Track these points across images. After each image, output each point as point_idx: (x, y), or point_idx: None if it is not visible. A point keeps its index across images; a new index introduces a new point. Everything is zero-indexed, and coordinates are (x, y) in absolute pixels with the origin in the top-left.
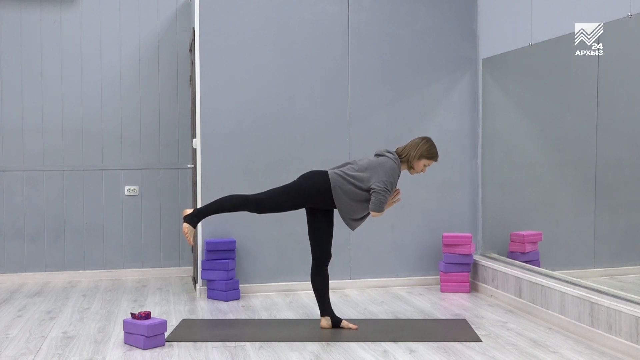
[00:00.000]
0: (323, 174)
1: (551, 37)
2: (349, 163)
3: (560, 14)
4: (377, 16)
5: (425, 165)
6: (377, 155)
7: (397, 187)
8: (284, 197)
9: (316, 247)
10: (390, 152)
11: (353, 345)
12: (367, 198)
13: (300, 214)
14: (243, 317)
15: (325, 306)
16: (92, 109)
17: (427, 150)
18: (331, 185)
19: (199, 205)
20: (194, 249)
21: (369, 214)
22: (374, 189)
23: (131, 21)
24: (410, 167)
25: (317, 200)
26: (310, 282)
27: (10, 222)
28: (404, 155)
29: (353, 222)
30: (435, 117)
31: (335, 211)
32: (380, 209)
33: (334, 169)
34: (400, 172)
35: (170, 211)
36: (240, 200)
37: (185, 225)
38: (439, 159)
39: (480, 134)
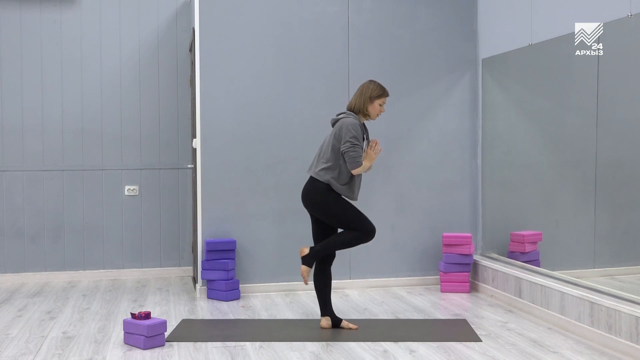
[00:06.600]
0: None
1: (551, 37)
2: (315, 158)
3: (560, 14)
4: (377, 16)
5: (381, 105)
6: (333, 124)
7: (376, 140)
8: (349, 215)
9: None
10: (343, 112)
11: (353, 345)
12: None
13: (301, 214)
14: (243, 317)
15: (326, 306)
16: (92, 109)
17: (375, 90)
18: (324, 184)
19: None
20: (194, 248)
21: (360, 178)
22: (343, 150)
23: (131, 21)
24: (368, 115)
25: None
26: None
27: (10, 222)
28: (356, 107)
29: (357, 192)
30: (435, 117)
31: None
32: (356, 164)
33: (310, 171)
34: (361, 124)
35: (170, 211)
36: (346, 237)
37: (303, 267)
38: (389, 93)
39: (480, 134)
